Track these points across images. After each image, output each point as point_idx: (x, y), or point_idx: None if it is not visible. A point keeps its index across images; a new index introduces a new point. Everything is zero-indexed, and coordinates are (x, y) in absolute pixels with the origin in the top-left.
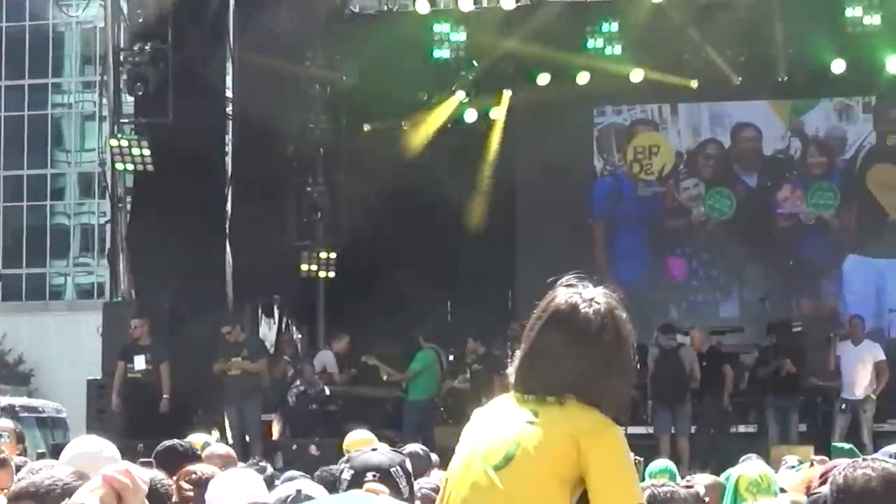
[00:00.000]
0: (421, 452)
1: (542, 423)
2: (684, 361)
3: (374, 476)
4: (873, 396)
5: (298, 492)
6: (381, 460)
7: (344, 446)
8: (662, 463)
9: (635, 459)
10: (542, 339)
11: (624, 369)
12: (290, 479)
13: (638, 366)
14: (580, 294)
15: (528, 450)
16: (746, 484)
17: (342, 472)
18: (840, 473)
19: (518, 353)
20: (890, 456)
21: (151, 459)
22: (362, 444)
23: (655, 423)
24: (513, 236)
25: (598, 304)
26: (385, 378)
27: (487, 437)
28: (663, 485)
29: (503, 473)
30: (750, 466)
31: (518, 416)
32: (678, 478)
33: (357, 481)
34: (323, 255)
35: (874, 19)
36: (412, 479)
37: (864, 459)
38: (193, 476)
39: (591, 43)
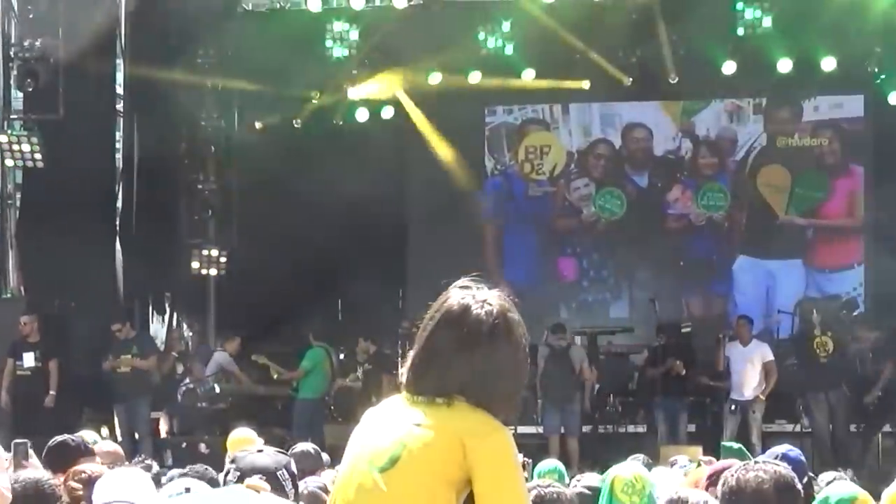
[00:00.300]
0: (312, 451)
1: (429, 425)
2: (574, 361)
3: (261, 478)
4: (762, 397)
5: (187, 490)
6: (267, 462)
7: (227, 444)
8: (551, 463)
9: (523, 461)
10: (434, 339)
11: (515, 371)
12: (171, 479)
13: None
14: (473, 296)
15: (414, 452)
16: (621, 485)
17: (227, 472)
18: (732, 476)
19: (409, 354)
20: (777, 457)
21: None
22: (244, 443)
23: (545, 422)
24: (404, 235)
25: (491, 305)
26: (276, 377)
27: (374, 439)
28: (549, 485)
29: (388, 476)
30: (625, 468)
31: (406, 418)
32: (566, 478)
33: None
34: (214, 252)
35: (766, 21)
36: (297, 480)
37: (755, 462)
38: (83, 475)
39: (483, 42)
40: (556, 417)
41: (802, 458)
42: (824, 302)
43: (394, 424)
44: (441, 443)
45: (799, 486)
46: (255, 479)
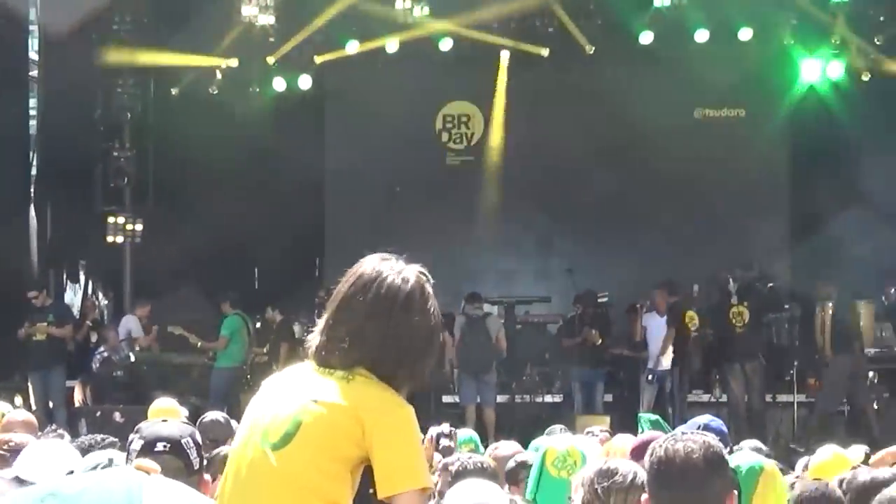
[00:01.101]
0: (222, 420)
1: (326, 401)
2: (490, 330)
3: (165, 447)
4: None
5: (110, 460)
6: (171, 431)
7: (149, 414)
8: (466, 433)
9: (449, 431)
10: (346, 305)
11: (426, 342)
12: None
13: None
14: (389, 265)
15: (308, 429)
16: (553, 459)
17: (132, 442)
18: (660, 446)
19: (320, 321)
20: (699, 427)
21: None
22: (167, 413)
23: (461, 392)
24: (322, 204)
25: (406, 275)
26: (199, 345)
27: (270, 413)
28: (470, 457)
29: (281, 454)
30: (559, 440)
31: (304, 392)
32: (481, 448)
33: (147, 452)
34: (129, 220)
35: None
36: (202, 450)
37: (682, 433)
38: (11, 443)
39: (401, 11)
40: (472, 387)
41: (724, 428)
42: (741, 272)
43: (291, 397)
44: (337, 420)
45: (727, 457)
46: (146, 461)
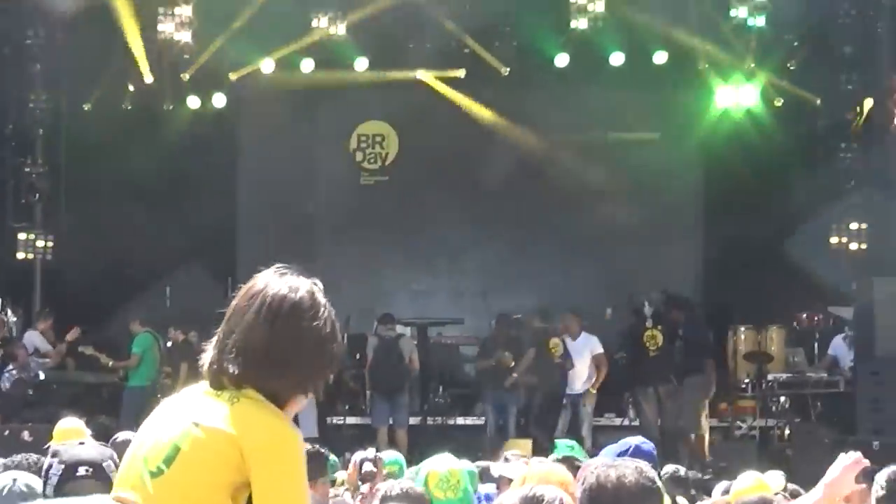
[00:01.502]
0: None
1: (207, 426)
2: (403, 352)
3: (88, 471)
4: (592, 391)
5: (14, 481)
6: (92, 455)
7: (54, 435)
8: (392, 455)
9: (374, 457)
10: (233, 320)
11: (313, 355)
12: None
13: (358, 356)
14: (280, 277)
15: (188, 456)
16: (436, 481)
17: (50, 466)
18: (593, 473)
19: (213, 338)
20: (629, 449)
21: None
22: (72, 433)
23: (373, 413)
24: (234, 223)
25: (294, 286)
26: (110, 365)
27: (152, 438)
28: (397, 483)
29: (158, 481)
30: (440, 462)
31: (186, 415)
32: (404, 470)
33: (68, 476)
34: (40, 237)
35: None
36: None
37: (614, 459)
38: None
39: (316, 29)
40: (384, 408)
41: (654, 451)
42: (655, 295)
43: (174, 421)
44: (218, 445)
45: (659, 483)
46: (126, 494)
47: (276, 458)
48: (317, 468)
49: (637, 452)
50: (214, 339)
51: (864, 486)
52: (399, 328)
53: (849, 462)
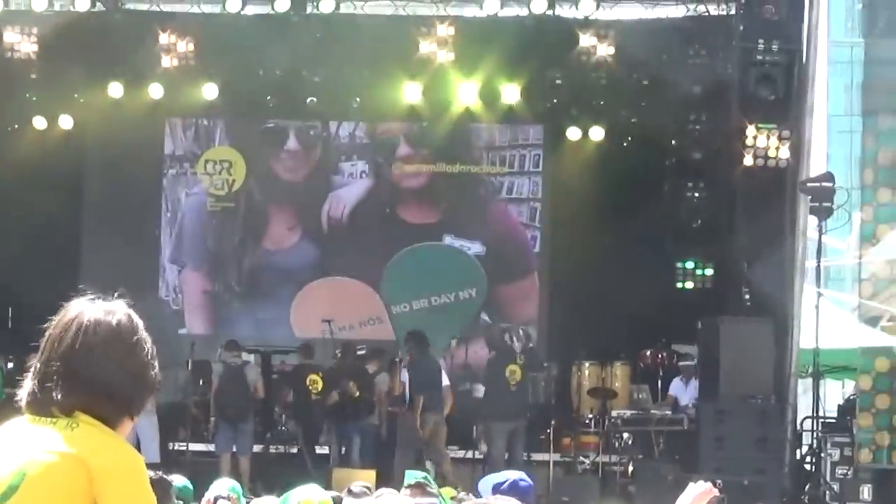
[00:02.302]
0: None
1: (51, 449)
2: (248, 379)
3: None
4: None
5: None
6: None
7: None
8: (228, 483)
9: (227, 493)
10: (50, 351)
11: (136, 379)
12: None
13: (202, 382)
14: (95, 304)
15: (35, 481)
16: None
17: None
18: None
19: (30, 370)
20: (506, 483)
21: None
22: None
23: (217, 440)
24: (78, 245)
25: (110, 310)
26: None
27: None
28: None
29: None
30: (310, 492)
31: (27, 443)
32: (242, 500)
33: None
34: None
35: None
36: None
37: (493, 495)
38: None
39: (164, 59)
40: (228, 435)
41: (531, 488)
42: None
43: (13, 450)
44: (64, 468)
45: None
46: None
47: (124, 479)
48: (161, 494)
49: (513, 487)
50: (31, 370)
51: None
52: (244, 355)
53: (699, 491)
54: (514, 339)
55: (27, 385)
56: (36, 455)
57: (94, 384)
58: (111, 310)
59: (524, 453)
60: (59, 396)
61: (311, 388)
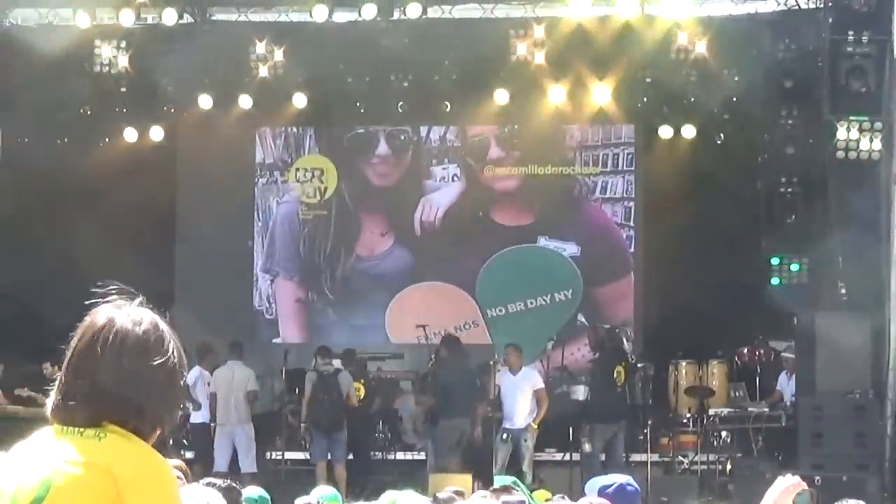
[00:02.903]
0: None
1: (77, 460)
2: (342, 386)
3: None
4: (534, 425)
5: None
6: None
7: None
8: (328, 491)
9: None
10: (80, 358)
11: (166, 389)
12: None
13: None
14: (120, 311)
15: (61, 491)
16: None
17: None
18: None
19: (57, 379)
20: (613, 486)
21: None
22: None
23: (312, 448)
24: (172, 257)
25: (139, 318)
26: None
27: (19, 478)
28: None
29: None
30: (410, 499)
31: (53, 453)
32: None
33: None
34: None
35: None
36: None
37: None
38: None
39: (252, 64)
40: (323, 444)
41: (639, 493)
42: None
43: (39, 461)
44: (91, 479)
45: None
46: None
47: (152, 489)
48: (231, 502)
49: (620, 491)
50: (57, 382)
51: None
52: (336, 363)
53: (788, 484)
54: (624, 339)
55: (53, 395)
56: (62, 466)
57: (122, 395)
58: (139, 319)
59: (623, 454)
60: (85, 407)
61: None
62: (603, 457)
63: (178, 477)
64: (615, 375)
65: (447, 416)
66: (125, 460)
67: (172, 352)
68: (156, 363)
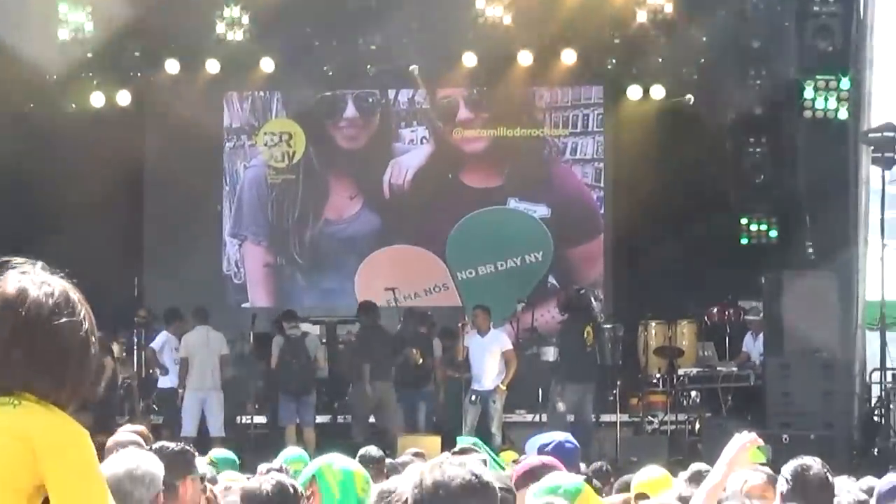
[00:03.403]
0: None
1: None
2: (309, 350)
3: None
4: (502, 387)
5: None
6: None
7: None
8: (295, 452)
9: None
10: None
11: (79, 358)
12: None
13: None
14: (30, 279)
15: None
16: (362, 482)
17: None
18: (429, 473)
19: None
20: (552, 444)
21: None
22: None
23: (281, 412)
24: (140, 221)
25: (51, 286)
26: None
27: None
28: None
29: None
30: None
31: None
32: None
33: None
34: None
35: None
36: None
37: (448, 458)
38: None
39: (219, 29)
40: (291, 407)
41: (577, 450)
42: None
43: None
44: (7, 446)
45: (495, 486)
46: None
47: (68, 454)
48: (185, 465)
49: (558, 449)
50: None
51: (764, 478)
52: (306, 326)
53: (745, 441)
54: (593, 299)
55: None
56: None
57: (36, 364)
58: (50, 288)
59: (592, 415)
60: (3, 378)
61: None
62: (572, 417)
63: (138, 443)
64: (584, 336)
65: (362, 381)
66: (42, 427)
67: (85, 319)
68: (67, 334)
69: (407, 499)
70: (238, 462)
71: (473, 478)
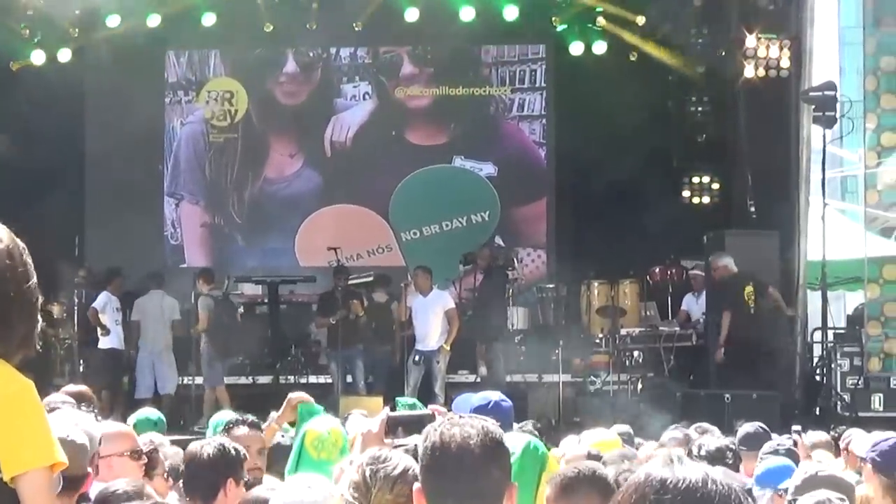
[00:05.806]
0: None
1: None
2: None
3: None
4: (446, 347)
5: None
6: None
7: None
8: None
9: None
10: None
11: (26, 311)
12: None
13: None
14: None
15: None
16: (313, 440)
17: None
18: (436, 430)
19: None
20: (489, 404)
21: None
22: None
23: (210, 374)
24: (82, 181)
25: (2, 238)
26: None
27: None
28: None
29: None
30: (321, 422)
31: None
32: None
33: None
34: None
35: None
36: None
37: (460, 416)
38: None
39: None
40: (219, 367)
41: (512, 408)
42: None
43: None
44: None
45: (507, 444)
46: None
47: (16, 408)
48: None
49: (496, 408)
50: None
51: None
52: (248, 287)
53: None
54: (515, 259)
55: None
56: None
57: None
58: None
59: (536, 375)
60: None
61: None
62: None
63: (71, 403)
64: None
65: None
66: None
67: (28, 273)
68: (12, 287)
69: (404, 467)
70: (162, 421)
71: (491, 441)
